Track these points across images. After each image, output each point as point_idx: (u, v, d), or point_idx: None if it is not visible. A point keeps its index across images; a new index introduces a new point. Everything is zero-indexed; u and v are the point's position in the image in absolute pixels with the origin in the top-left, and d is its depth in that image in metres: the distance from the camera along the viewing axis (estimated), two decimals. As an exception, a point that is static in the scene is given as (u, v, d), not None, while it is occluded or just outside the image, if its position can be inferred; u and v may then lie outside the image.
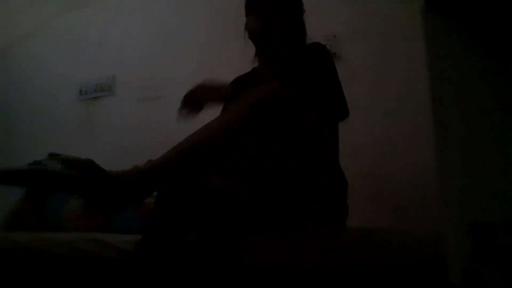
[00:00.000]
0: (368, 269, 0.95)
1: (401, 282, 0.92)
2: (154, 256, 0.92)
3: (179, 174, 0.95)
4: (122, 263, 1.21)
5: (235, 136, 0.97)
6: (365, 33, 1.98)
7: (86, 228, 1.71)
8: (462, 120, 0.54)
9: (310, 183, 1.10)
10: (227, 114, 1.01)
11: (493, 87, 0.55)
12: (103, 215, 1.77)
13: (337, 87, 1.21)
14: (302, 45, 1.32)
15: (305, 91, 1.11)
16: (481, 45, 0.55)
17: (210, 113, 1.18)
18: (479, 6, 0.54)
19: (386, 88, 1.89)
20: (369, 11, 1.98)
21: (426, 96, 0.57)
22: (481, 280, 0.49)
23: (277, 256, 1.02)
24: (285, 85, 1.02)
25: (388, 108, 1.86)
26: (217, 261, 1.05)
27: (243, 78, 1.44)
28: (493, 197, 0.52)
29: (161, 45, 2.59)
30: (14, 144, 2.91)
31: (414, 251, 0.91)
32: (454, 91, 0.55)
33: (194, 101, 1.26)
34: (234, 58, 2.25)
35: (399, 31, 1.87)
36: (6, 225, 1.93)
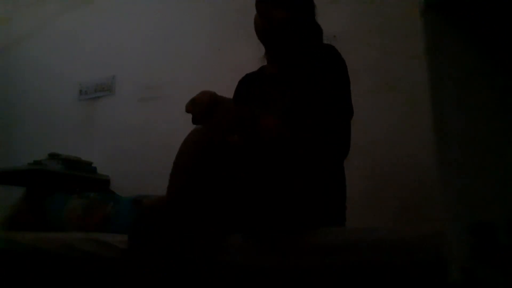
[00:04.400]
0: (368, 269, 0.95)
1: (401, 282, 0.92)
2: (147, 254, 0.92)
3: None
4: (121, 263, 1.21)
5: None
6: (365, 33, 1.98)
7: (86, 228, 1.71)
8: (462, 120, 0.54)
9: (312, 185, 1.10)
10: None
11: (493, 87, 0.55)
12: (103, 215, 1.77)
13: (342, 108, 1.16)
14: (311, 44, 1.28)
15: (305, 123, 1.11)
16: (481, 45, 0.55)
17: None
18: (479, 6, 0.54)
19: (386, 88, 1.89)
20: (369, 11, 1.98)
21: (426, 95, 0.57)
22: (481, 280, 0.49)
23: (277, 256, 1.02)
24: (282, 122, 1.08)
25: (388, 108, 1.86)
26: (216, 261, 1.05)
27: (252, 76, 1.43)
28: (493, 197, 0.52)
29: (161, 45, 2.59)
30: (14, 144, 2.91)
31: (414, 251, 0.91)
32: (454, 91, 0.55)
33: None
34: (234, 58, 2.25)
35: (399, 31, 1.87)
36: (6, 225, 1.94)
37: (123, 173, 2.44)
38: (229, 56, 2.27)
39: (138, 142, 2.47)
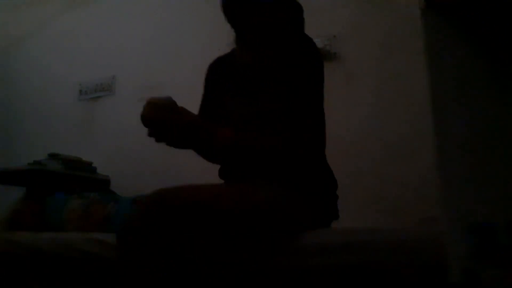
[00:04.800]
0: (368, 269, 0.95)
1: (401, 282, 0.92)
2: (135, 253, 0.92)
3: None
4: (114, 262, 1.21)
5: None
6: (365, 33, 1.98)
7: (86, 228, 1.71)
8: (462, 120, 0.54)
9: (302, 181, 1.10)
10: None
11: (493, 87, 0.55)
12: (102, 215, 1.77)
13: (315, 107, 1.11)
14: (285, 31, 1.17)
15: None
16: (481, 45, 0.55)
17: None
18: (479, 6, 0.54)
19: (386, 88, 1.89)
20: (369, 11, 1.98)
21: (426, 96, 0.57)
22: (481, 280, 0.49)
23: (277, 256, 1.02)
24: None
25: (388, 107, 1.86)
26: (216, 261, 1.05)
27: (223, 61, 1.34)
28: (493, 197, 0.52)
29: (161, 45, 2.59)
30: (14, 144, 2.91)
31: (414, 251, 0.91)
32: (454, 91, 0.55)
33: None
34: (234, 58, 2.25)
35: (399, 31, 1.87)
36: (6, 225, 1.93)
37: (123, 173, 2.43)
38: (229, 56, 2.27)
39: (138, 142, 2.46)
